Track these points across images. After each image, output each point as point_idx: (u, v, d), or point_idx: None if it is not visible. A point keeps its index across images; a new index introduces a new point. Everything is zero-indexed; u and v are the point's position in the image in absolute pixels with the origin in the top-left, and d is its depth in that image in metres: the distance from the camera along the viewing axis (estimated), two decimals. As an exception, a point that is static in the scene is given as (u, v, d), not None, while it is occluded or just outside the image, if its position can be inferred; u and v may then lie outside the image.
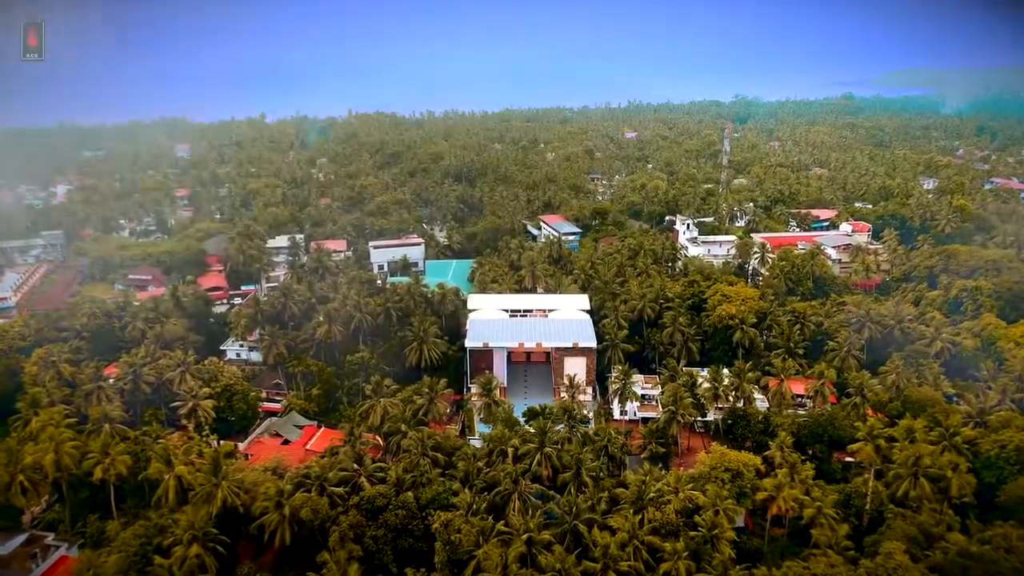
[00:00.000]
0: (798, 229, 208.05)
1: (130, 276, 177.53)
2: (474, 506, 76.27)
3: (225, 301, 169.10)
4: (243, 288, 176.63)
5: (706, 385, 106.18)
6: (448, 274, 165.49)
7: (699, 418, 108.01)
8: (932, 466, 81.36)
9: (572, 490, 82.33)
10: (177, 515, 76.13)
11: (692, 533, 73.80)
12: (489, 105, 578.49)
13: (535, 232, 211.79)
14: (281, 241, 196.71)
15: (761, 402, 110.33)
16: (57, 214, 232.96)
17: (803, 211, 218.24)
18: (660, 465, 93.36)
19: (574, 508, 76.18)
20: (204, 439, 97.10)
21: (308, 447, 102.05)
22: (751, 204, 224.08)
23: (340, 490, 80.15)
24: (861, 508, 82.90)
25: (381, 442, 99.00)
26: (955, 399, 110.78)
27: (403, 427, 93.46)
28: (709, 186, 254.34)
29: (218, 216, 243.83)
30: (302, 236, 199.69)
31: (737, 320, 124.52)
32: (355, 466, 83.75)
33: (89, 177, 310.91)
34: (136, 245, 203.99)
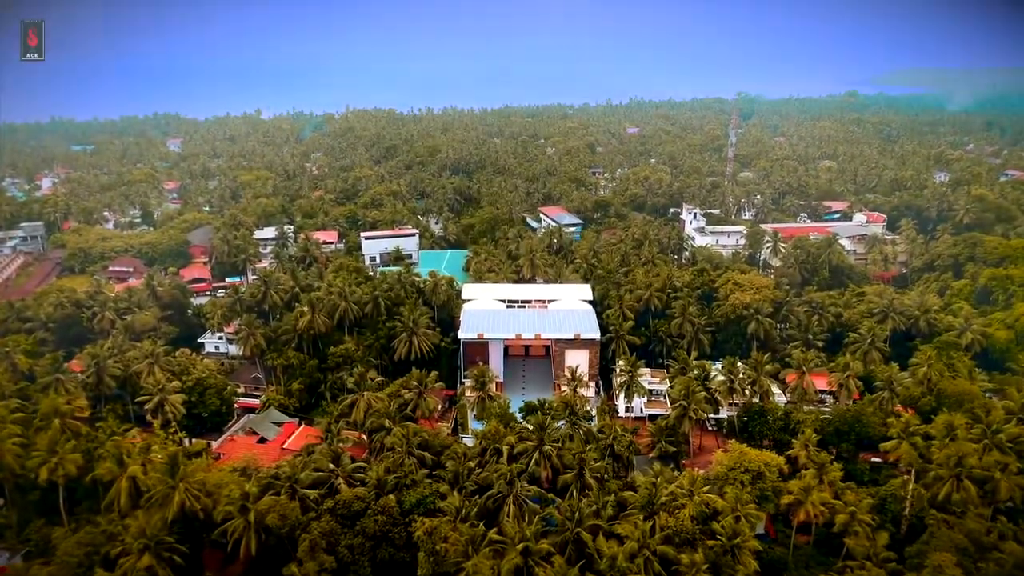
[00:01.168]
0: (809, 220, 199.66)
1: (110, 268, 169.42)
2: (463, 511, 68.13)
3: (208, 293, 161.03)
4: (228, 280, 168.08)
5: (720, 378, 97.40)
6: (442, 264, 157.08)
7: (711, 415, 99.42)
8: (976, 466, 72.99)
9: (574, 493, 74.02)
10: (128, 521, 67.69)
11: (710, 542, 65.25)
12: (488, 102, 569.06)
13: (534, 224, 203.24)
14: (270, 232, 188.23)
15: (779, 397, 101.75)
16: (39, 206, 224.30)
17: (814, 202, 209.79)
18: (671, 465, 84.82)
19: (576, 513, 67.61)
20: (171, 436, 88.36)
21: (285, 446, 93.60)
22: (758, 196, 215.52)
23: (313, 493, 71.78)
24: (899, 514, 74.31)
25: (365, 440, 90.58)
26: (988, 393, 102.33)
27: (387, 423, 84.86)
28: (714, 179, 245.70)
29: (207, 208, 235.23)
30: (292, 227, 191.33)
31: (752, 310, 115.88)
32: (331, 466, 75.33)
33: (76, 170, 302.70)
34: (118, 236, 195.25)
